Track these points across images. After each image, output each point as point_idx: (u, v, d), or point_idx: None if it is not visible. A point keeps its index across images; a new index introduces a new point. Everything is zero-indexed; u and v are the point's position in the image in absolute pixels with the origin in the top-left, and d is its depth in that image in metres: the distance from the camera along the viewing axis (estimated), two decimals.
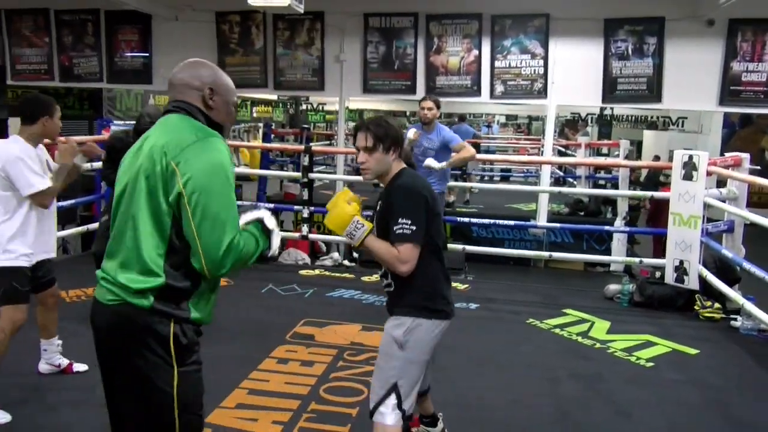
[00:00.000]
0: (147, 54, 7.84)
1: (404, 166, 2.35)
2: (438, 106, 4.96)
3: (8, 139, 3.11)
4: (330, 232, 2.70)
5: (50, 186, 3.07)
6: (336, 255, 6.68)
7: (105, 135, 6.06)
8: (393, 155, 2.29)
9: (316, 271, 6.08)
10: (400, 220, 2.18)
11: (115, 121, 7.76)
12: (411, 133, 4.77)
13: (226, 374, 3.55)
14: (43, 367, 3.48)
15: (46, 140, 3.29)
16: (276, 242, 1.88)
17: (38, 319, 3.38)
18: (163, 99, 7.46)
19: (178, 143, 1.66)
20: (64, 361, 3.51)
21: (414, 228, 2.17)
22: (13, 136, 3.09)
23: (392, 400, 2.28)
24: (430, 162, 4.84)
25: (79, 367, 3.53)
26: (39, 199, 3.03)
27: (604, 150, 10.72)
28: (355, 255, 6.34)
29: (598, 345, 4.35)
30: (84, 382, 3.36)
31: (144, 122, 3.80)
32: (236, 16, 7.49)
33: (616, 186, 8.07)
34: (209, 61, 1.90)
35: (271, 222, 1.86)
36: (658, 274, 5.55)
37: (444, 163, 4.88)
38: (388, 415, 2.28)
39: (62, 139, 3.36)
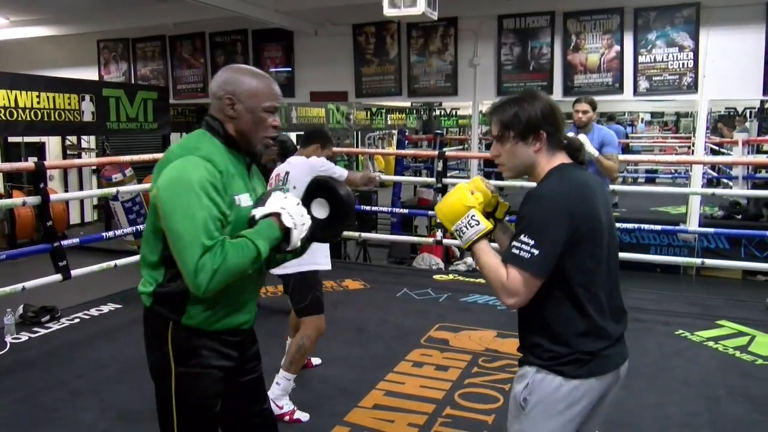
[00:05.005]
0: (290, 69, 8.32)
1: (564, 160, 1.71)
2: (594, 108, 4.54)
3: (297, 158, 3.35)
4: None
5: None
6: (470, 260, 6.64)
7: None
8: (535, 145, 1.68)
9: (450, 276, 6.09)
10: (521, 238, 1.59)
11: None
12: None
13: (363, 375, 3.69)
14: None
15: None
16: (296, 237, 1.70)
17: (291, 321, 3.58)
18: (305, 111, 7.84)
19: (162, 163, 1.67)
20: None
21: (535, 253, 1.56)
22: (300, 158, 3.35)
23: None
24: (586, 142, 4.16)
25: (315, 360, 3.83)
26: None
27: (766, 147, 9.75)
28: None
29: (760, 361, 3.96)
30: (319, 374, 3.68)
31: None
32: (371, 28, 7.74)
33: None
34: (259, 69, 1.79)
35: (288, 219, 1.68)
36: None
37: (597, 153, 4.34)
38: None
39: None
